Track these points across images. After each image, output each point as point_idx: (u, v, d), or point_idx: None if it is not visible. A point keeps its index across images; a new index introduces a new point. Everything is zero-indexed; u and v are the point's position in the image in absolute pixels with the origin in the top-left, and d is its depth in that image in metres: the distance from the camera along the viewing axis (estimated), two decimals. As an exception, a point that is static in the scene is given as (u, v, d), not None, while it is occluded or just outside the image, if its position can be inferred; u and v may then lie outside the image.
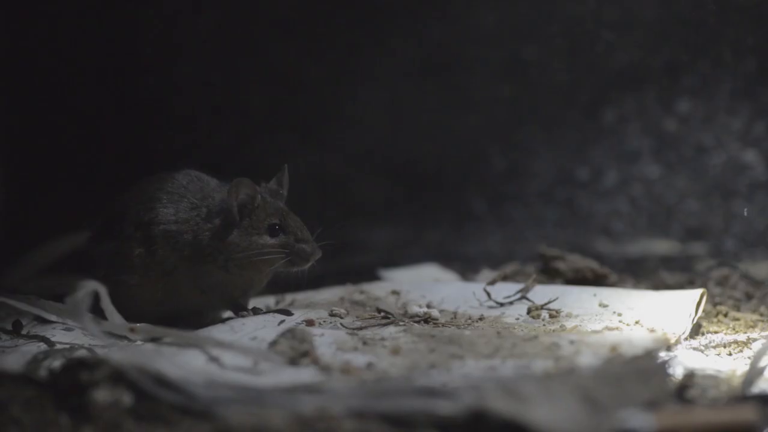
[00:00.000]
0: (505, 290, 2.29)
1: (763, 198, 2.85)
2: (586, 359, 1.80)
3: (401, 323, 2.12)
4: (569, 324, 2.11)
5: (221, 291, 2.13)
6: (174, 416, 1.60)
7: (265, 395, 1.62)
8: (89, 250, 2.17)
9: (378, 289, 2.41)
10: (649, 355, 1.81)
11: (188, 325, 2.08)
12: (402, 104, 3.05)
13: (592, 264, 2.53)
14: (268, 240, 2.09)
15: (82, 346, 1.96)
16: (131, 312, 2.05)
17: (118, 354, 1.77)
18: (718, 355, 1.98)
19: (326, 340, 1.93)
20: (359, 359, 1.83)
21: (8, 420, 1.62)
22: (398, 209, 3.01)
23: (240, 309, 2.15)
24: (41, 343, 2.00)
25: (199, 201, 2.12)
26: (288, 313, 2.15)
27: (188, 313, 2.14)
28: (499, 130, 3.01)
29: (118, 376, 1.64)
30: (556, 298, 2.23)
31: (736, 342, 2.06)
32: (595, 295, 2.27)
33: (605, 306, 2.20)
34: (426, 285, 2.41)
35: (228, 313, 2.19)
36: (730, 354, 1.99)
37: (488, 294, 2.28)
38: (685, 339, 2.07)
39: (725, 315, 2.28)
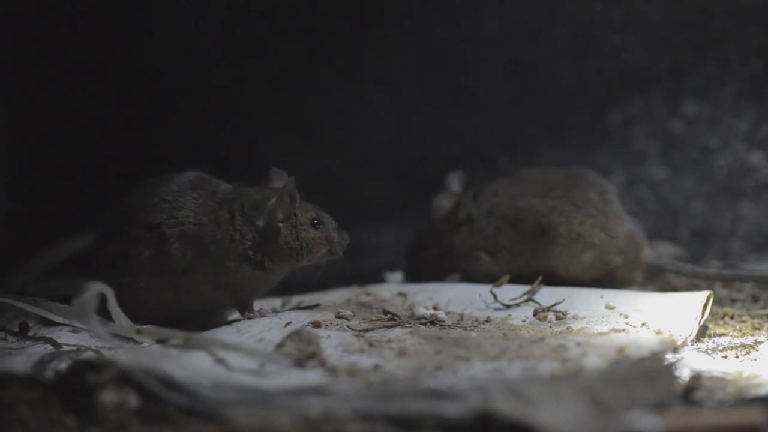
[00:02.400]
0: (511, 292, 2.29)
1: (768, 199, 2.85)
2: (593, 361, 1.80)
3: (408, 325, 2.12)
4: (576, 326, 2.11)
5: (242, 289, 2.16)
6: (180, 418, 1.60)
7: (272, 397, 1.62)
8: (95, 253, 2.17)
9: (384, 291, 2.42)
10: (656, 357, 1.81)
11: (194, 326, 2.08)
12: (407, 106, 3.05)
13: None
14: (314, 233, 2.18)
15: (88, 348, 1.96)
16: (138, 314, 2.05)
17: (125, 356, 1.78)
18: (724, 357, 1.98)
19: (333, 342, 1.93)
20: (366, 361, 1.83)
21: (15, 421, 1.62)
22: (404, 211, 3.00)
23: (247, 310, 2.16)
24: (48, 345, 2.01)
25: (220, 201, 2.14)
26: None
27: (195, 314, 2.15)
28: (504, 131, 3.01)
29: (125, 378, 1.64)
30: (563, 300, 2.23)
31: (742, 344, 2.05)
32: (601, 297, 2.27)
33: (612, 308, 2.20)
34: (432, 287, 2.41)
35: (234, 314, 2.20)
36: (737, 356, 1.99)
37: (495, 296, 2.28)
38: (692, 341, 2.07)
39: (731, 317, 2.28)
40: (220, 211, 2.13)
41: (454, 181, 2.58)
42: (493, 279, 2.35)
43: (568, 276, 2.41)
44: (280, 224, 2.14)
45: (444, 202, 2.51)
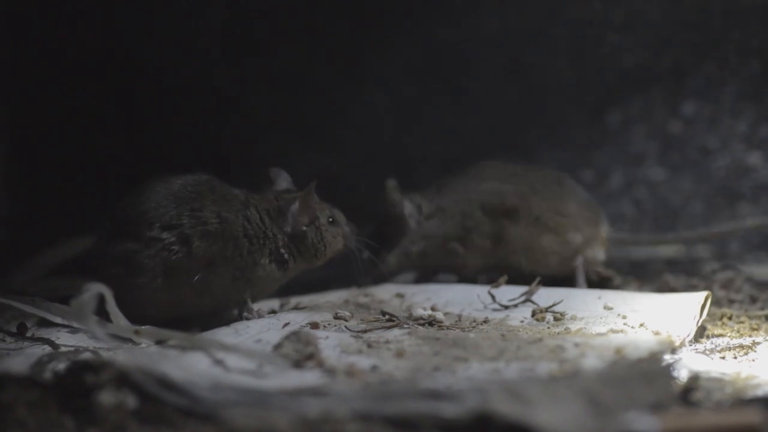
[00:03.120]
0: (509, 293, 2.29)
1: (767, 200, 2.85)
2: (591, 362, 1.80)
3: (406, 326, 2.13)
4: (574, 327, 2.11)
5: (261, 286, 2.20)
6: (178, 419, 1.61)
7: (270, 398, 1.62)
8: (99, 254, 2.16)
9: (382, 292, 2.41)
10: (654, 357, 1.81)
11: (193, 327, 2.09)
12: (407, 106, 3.05)
13: (597, 266, 2.55)
14: (334, 231, 2.26)
15: (86, 349, 1.96)
16: (143, 315, 2.05)
17: (123, 356, 1.78)
18: (722, 357, 1.98)
19: (331, 343, 1.93)
20: (364, 362, 1.83)
21: (13, 422, 1.62)
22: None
23: (246, 310, 2.17)
24: (46, 346, 2.00)
25: (242, 201, 2.17)
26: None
27: (200, 315, 2.16)
28: (504, 132, 3.01)
29: (123, 379, 1.65)
30: (561, 301, 2.23)
31: (740, 345, 2.05)
32: (599, 297, 2.27)
33: (610, 309, 2.20)
34: (430, 288, 2.41)
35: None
36: (735, 357, 1.99)
37: (492, 297, 2.28)
38: (690, 342, 2.07)
39: (729, 318, 2.28)
40: (246, 211, 2.16)
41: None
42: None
43: (534, 265, 2.45)
44: (305, 228, 2.20)
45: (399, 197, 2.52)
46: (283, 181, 2.26)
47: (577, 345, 1.90)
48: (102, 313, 1.96)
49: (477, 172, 2.56)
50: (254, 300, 2.21)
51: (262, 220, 2.17)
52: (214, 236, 2.12)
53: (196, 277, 2.11)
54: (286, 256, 2.20)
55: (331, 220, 2.25)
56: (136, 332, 1.98)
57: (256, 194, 2.21)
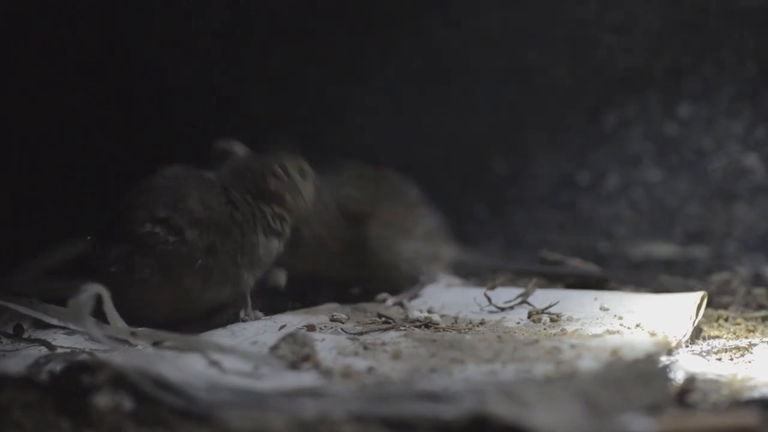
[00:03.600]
0: (505, 295, 2.29)
1: (764, 202, 2.84)
2: (587, 363, 1.80)
3: (402, 328, 2.12)
4: (570, 328, 2.11)
5: (264, 262, 2.21)
6: (175, 420, 1.61)
7: (266, 399, 1.62)
8: (98, 256, 2.15)
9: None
10: (650, 359, 1.81)
11: (190, 330, 2.09)
12: (404, 108, 3.05)
13: (593, 268, 2.55)
14: (306, 182, 2.27)
15: (83, 350, 1.96)
16: (145, 316, 2.05)
17: (119, 358, 1.78)
18: (718, 359, 1.98)
19: (327, 345, 1.94)
20: (360, 364, 1.84)
21: (10, 423, 1.62)
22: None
23: (243, 306, 2.17)
24: (42, 347, 2.00)
25: (221, 185, 2.17)
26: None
27: (200, 314, 2.16)
28: (501, 134, 3.01)
29: (119, 380, 1.65)
30: (557, 302, 2.23)
31: (737, 347, 2.06)
32: (595, 298, 2.27)
33: (606, 310, 2.20)
34: (427, 290, 2.41)
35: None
36: (731, 358, 1.99)
37: (489, 299, 2.28)
38: (686, 343, 2.07)
39: (726, 319, 2.28)
40: (229, 192, 2.16)
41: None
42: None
43: (385, 276, 2.44)
44: (281, 192, 2.21)
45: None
46: (240, 148, 2.27)
47: (573, 346, 1.90)
48: (99, 315, 1.97)
49: (339, 173, 2.53)
50: (267, 266, 2.23)
51: (246, 200, 2.18)
52: (203, 223, 2.12)
53: (197, 264, 2.12)
54: (278, 226, 2.21)
55: (301, 171, 2.25)
56: (133, 334, 1.98)
57: (227, 173, 2.21)
